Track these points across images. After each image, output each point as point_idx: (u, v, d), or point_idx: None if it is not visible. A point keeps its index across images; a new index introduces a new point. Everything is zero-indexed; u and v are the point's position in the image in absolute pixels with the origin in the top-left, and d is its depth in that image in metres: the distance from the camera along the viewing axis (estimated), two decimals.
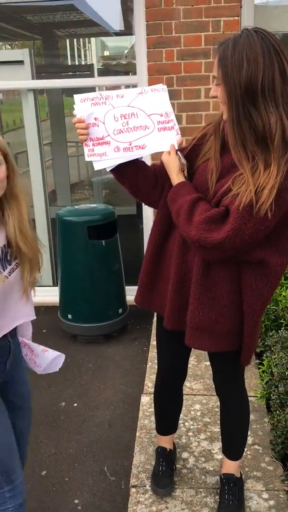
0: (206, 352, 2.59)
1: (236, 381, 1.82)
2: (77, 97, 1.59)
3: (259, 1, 3.61)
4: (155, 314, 1.86)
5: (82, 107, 1.58)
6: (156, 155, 1.68)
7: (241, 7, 3.17)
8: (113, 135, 1.58)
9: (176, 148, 1.59)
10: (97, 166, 1.62)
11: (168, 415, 2.04)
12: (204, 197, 1.50)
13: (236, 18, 3.14)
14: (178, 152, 1.58)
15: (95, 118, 1.58)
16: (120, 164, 1.60)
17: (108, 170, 1.62)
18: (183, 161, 1.58)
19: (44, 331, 3.64)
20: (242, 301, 1.55)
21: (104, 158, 1.59)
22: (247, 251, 1.45)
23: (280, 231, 1.46)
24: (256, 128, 1.34)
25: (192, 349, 1.88)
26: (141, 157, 1.64)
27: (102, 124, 1.58)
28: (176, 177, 1.55)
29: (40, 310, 3.97)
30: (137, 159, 1.62)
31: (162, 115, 1.60)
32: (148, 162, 1.74)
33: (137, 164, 1.62)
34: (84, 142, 1.59)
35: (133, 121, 1.59)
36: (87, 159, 1.61)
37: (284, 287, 2.79)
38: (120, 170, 1.62)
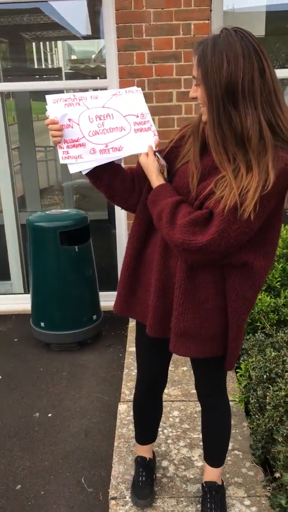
0: (184, 357, 2.56)
1: (219, 387, 1.80)
2: (49, 98, 1.53)
3: (230, 7, 3.64)
4: (132, 321, 1.81)
5: (55, 108, 1.52)
6: (132, 159, 1.64)
7: (211, 10, 3.18)
8: (88, 136, 1.53)
9: (154, 149, 1.55)
10: (72, 169, 1.56)
11: (148, 425, 1.99)
12: (186, 199, 1.47)
13: (206, 21, 3.15)
14: (157, 154, 1.54)
15: (69, 119, 1.52)
16: (96, 167, 1.54)
17: (83, 173, 1.56)
18: (163, 162, 1.54)
19: (15, 340, 3.54)
20: (227, 305, 1.53)
21: (80, 160, 1.53)
22: (231, 254, 1.42)
23: (263, 234, 1.44)
24: (235, 129, 1.32)
25: (171, 358, 1.85)
26: (120, 161, 1.59)
27: (76, 125, 1.52)
28: (156, 179, 1.51)
29: (11, 318, 3.87)
30: (113, 162, 1.57)
31: (138, 116, 1.56)
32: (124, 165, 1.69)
33: (113, 167, 1.57)
34: (58, 145, 1.53)
35: (108, 122, 1.54)
36: (61, 161, 1.54)
37: (260, 291, 2.79)
38: (96, 174, 1.56)
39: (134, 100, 1.57)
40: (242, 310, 1.52)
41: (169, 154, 1.58)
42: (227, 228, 1.33)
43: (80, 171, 1.56)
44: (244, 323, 1.57)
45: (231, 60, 1.29)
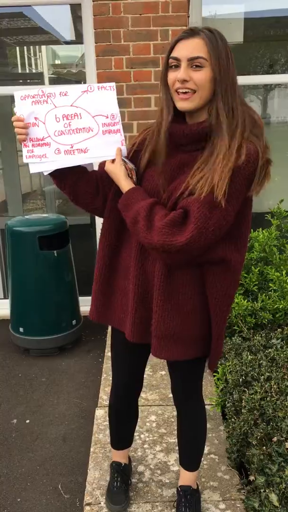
0: (162, 361, 2.56)
1: (195, 390, 1.80)
2: (17, 94, 1.50)
3: (207, 13, 3.67)
4: (110, 326, 1.80)
5: (22, 106, 1.49)
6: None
7: (188, 16, 3.21)
8: (54, 136, 1.50)
9: (124, 154, 1.54)
10: (33, 169, 1.53)
11: (124, 430, 1.98)
12: (159, 201, 1.47)
13: (184, 27, 3.16)
14: (123, 158, 1.53)
15: (35, 118, 1.49)
16: (59, 169, 1.53)
17: (45, 174, 1.53)
18: (131, 165, 1.52)
19: None
20: (207, 305, 1.53)
21: (44, 160, 1.51)
22: (209, 251, 1.42)
23: (237, 229, 1.46)
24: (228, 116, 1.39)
25: (147, 362, 1.85)
26: (90, 165, 1.58)
27: (42, 124, 1.50)
28: (125, 183, 1.50)
29: None
30: (74, 167, 1.54)
31: (107, 117, 1.51)
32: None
33: (77, 170, 1.55)
34: (23, 143, 1.51)
35: (75, 123, 1.51)
36: (25, 160, 1.53)
37: (237, 294, 2.81)
38: (60, 176, 1.55)
39: (105, 99, 1.50)
40: (224, 307, 1.52)
41: (133, 158, 1.57)
42: (204, 223, 1.34)
43: (42, 172, 1.53)
44: (226, 320, 1.58)
45: (232, 57, 1.39)
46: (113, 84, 1.51)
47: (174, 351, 1.55)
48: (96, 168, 1.65)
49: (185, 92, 1.38)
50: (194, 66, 1.36)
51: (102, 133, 1.52)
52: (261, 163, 1.37)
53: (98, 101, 1.51)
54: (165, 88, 1.45)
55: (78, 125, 1.51)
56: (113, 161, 1.52)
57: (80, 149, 1.51)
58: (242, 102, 1.43)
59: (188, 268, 1.48)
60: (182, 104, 1.41)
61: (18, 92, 1.50)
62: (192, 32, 1.37)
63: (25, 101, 1.49)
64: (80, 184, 1.56)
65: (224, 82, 1.36)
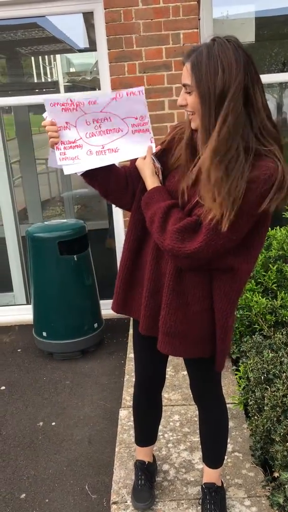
0: (183, 361, 2.58)
1: (213, 388, 1.82)
2: (46, 100, 1.52)
3: (219, 15, 3.70)
4: (131, 325, 1.84)
5: (52, 111, 1.52)
6: None
7: (199, 19, 3.23)
8: (85, 138, 1.54)
9: (153, 151, 1.58)
10: (67, 171, 1.57)
11: (147, 425, 2.01)
12: (178, 203, 1.50)
13: (195, 30, 3.20)
14: (152, 156, 1.56)
15: (66, 122, 1.53)
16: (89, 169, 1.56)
17: (78, 174, 1.57)
18: (158, 164, 1.56)
19: (19, 350, 3.58)
20: (213, 307, 1.56)
21: (77, 161, 1.55)
22: (218, 259, 1.45)
23: (249, 240, 1.47)
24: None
25: (169, 359, 1.88)
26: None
27: (73, 127, 1.53)
28: (151, 181, 1.54)
29: (15, 329, 3.91)
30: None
31: (137, 118, 1.54)
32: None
33: (108, 167, 1.59)
34: (55, 146, 1.55)
35: (106, 125, 1.54)
36: (59, 163, 1.56)
37: (256, 292, 2.81)
38: (91, 174, 1.59)
39: (134, 103, 1.53)
40: (227, 311, 1.55)
41: (161, 156, 1.60)
42: (214, 237, 1.37)
43: (76, 172, 1.57)
44: (231, 323, 1.60)
45: (226, 69, 1.31)
46: (142, 88, 1.54)
47: (178, 348, 1.59)
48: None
49: (190, 114, 1.44)
50: (187, 91, 1.41)
51: (132, 133, 1.55)
52: (280, 179, 1.35)
53: (128, 105, 1.53)
54: None
55: (108, 127, 1.54)
56: (144, 158, 1.56)
57: (111, 149, 1.55)
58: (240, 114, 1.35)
59: (198, 271, 1.51)
60: (191, 123, 1.46)
61: (48, 98, 1.52)
62: (187, 56, 1.39)
63: (55, 108, 1.51)
64: (110, 181, 1.61)
65: (208, 103, 1.34)
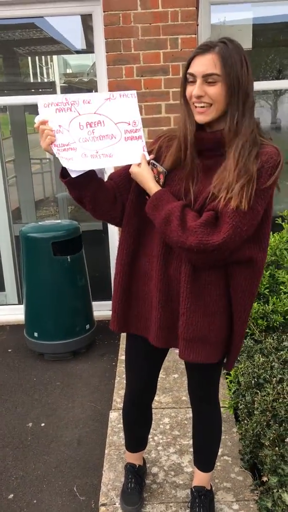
0: (175, 364, 2.59)
1: (214, 393, 1.82)
2: (40, 101, 1.51)
3: (217, 21, 3.72)
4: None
5: (45, 112, 1.51)
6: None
7: (197, 25, 3.25)
8: (79, 142, 1.53)
9: (148, 158, 1.57)
10: (64, 164, 1.51)
11: (138, 433, 2.01)
12: (188, 204, 1.50)
13: (193, 36, 3.22)
14: (153, 161, 1.56)
15: (59, 125, 1.52)
16: (82, 178, 1.53)
17: (73, 175, 1.52)
18: (161, 169, 1.54)
19: (10, 350, 3.57)
20: (229, 306, 1.57)
21: (72, 162, 1.52)
22: (237, 251, 1.46)
23: (262, 228, 1.50)
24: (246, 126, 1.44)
25: (161, 368, 1.87)
26: (102, 174, 1.60)
27: (67, 131, 1.52)
28: (153, 184, 1.53)
29: (6, 329, 3.90)
30: (96, 175, 1.57)
31: (129, 124, 1.55)
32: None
33: (95, 179, 1.58)
34: (53, 145, 1.51)
35: (99, 130, 1.54)
36: (57, 155, 1.52)
37: None
38: (79, 186, 1.56)
39: (127, 106, 1.55)
40: (247, 305, 1.57)
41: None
42: (239, 224, 1.39)
43: (72, 170, 1.52)
44: (248, 320, 1.62)
45: (248, 64, 1.43)
46: (134, 92, 1.57)
47: (202, 353, 1.57)
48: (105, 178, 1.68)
49: (202, 106, 1.45)
50: (209, 82, 1.42)
51: (124, 140, 1.56)
52: (282, 160, 1.45)
53: (120, 108, 1.55)
54: (184, 100, 1.51)
55: (101, 133, 1.55)
56: (138, 165, 1.56)
57: (105, 154, 1.54)
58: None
59: (214, 269, 1.51)
60: (199, 117, 1.47)
61: (42, 99, 1.51)
62: (207, 47, 1.42)
63: (49, 108, 1.51)
64: (99, 193, 1.58)
65: (237, 94, 1.42)
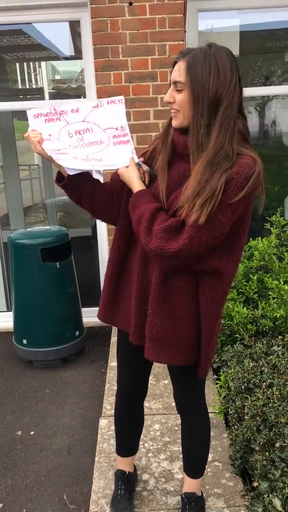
0: (165, 370, 2.58)
1: (197, 397, 1.82)
2: (30, 113, 1.56)
3: (204, 28, 3.75)
4: (115, 336, 1.84)
5: (35, 124, 1.56)
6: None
7: (185, 31, 3.27)
8: (69, 149, 1.56)
9: (136, 160, 1.60)
10: (60, 162, 1.54)
11: (128, 435, 2.00)
12: (164, 206, 1.52)
13: (181, 42, 3.24)
14: (138, 161, 1.59)
15: (49, 135, 1.56)
16: (77, 181, 1.56)
17: (70, 173, 1.55)
18: (145, 168, 1.58)
19: None
20: (199, 312, 1.57)
21: (65, 162, 1.55)
22: (203, 260, 1.47)
23: (232, 241, 1.50)
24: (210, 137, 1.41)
25: (151, 369, 1.88)
26: (100, 177, 1.62)
27: (57, 140, 1.56)
28: (137, 184, 1.56)
29: None
30: (91, 177, 1.61)
31: (117, 129, 1.59)
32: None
33: (93, 180, 1.62)
34: (44, 148, 1.55)
35: (88, 137, 1.57)
36: (49, 154, 1.54)
37: (237, 302, 2.84)
38: (77, 187, 1.60)
39: (114, 112, 1.59)
40: (213, 316, 1.56)
41: (145, 164, 1.63)
42: (197, 233, 1.39)
43: (68, 168, 1.54)
44: (216, 329, 1.61)
45: (221, 73, 1.38)
46: (121, 97, 1.60)
47: (165, 355, 1.59)
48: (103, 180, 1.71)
49: (174, 111, 1.48)
50: (178, 89, 1.45)
51: (113, 145, 1.59)
52: (257, 172, 1.41)
53: (108, 114, 1.59)
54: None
55: (90, 139, 1.58)
56: (127, 167, 1.58)
57: (95, 158, 1.57)
58: (227, 118, 1.42)
59: (184, 275, 1.52)
60: (172, 122, 1.51)
61: (31, 111, 1.56)
62: (181, 54, 1.45)
63: (38, 119, 1.56)
64: (96, 193, 1.63)
65: (201, 103, 1.40)
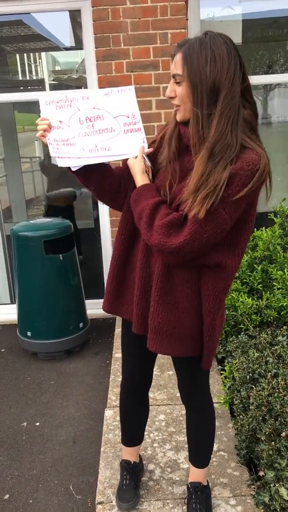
0: (169, 361, 2.58)
1: (201, 388, 1.82)
2: (42, 99, 1.58)
3: (206, 16, 3.71)
4: (119, 327, 1.83)
5: (47, 110, 1.57)
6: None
7: (187, 19, 3.24)
8: (78, 137, 1.56)
9: (146, 150, 1.59)
10: (60, 163, 1.58)
11: (133, 425, 2.00)
12: (166, 200, 1.50)
13: (183, 30, 3.20)
14: (144, 155, 1.58)
15: (60, 121, 1.57)
16: (85, 167, 1.57)
17: (73, 169, 1.58)
18: (148, 163, 1.58)
19: (3, 350, 3.54)
20: (201, 305, 1.56)
21: (69, 156, 1.57)
22: (205, 255, 1.46)
23: (236, 236, 1.48)
24: (211, 128, 1.37)
25: (156, 359, 1.88)
26: (108, 162, 1.63)
27: (67, 127, 1.57)
28: (140, 178, 1.55)
29: None
30: (100, 164, 1.60)
31: (128, 117, 1.58)
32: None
33: (102, 167, 1.61)
34: (48, 142, 1.58)
35: (98, 124, 1.57)
36: (52, 155, 1.58)
37: (242, 292, 2.83)
38: (86, 174, 1.60)
39: (125, 100, 1.58)
40: (214, 309, 1.55)
41: (153, 156, 1.61)
42: (199, 230, 1.37)
43: (69, 168, 1.58)
44: (219, 322, 1.60)
45: (217, 60, 1.34)
46: (132, 86, 1.60)
47: (166, 346, 1.59)
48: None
49: (176, 106, 1.46)
50: (177, 82, 1.42)
51: (124, 133, 1.58)
52: (262, 169, 1.37)
53: (119, 102, 1.57)
54: None
55: (101, 126, 1.57)
56: (136, 157, 1.57)
57: (104, 147, 1.57)
58: (231, 107, 1.38)
59: (186, 268, 1.51)
60: (176, 116, 1.49)
61: (43, 97, 1.58)
62: (178, 47, 1.42)
63: (50, 106, 1.57)
64: (104, 181, 1.62)
65: (201, 94, 1.36)
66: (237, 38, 4.08)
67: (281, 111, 5.03)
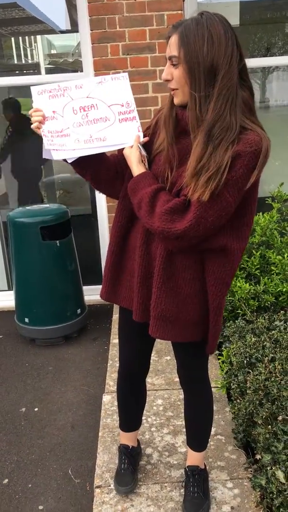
0: (167, 346, 2.59)
1: (201, 372, 1.82)
2: (34, 89, 1.54)
3: None
4: (116, 313, 1.83)
5: (39, 100, 1.54)
6: None
7: (184, 1, 3.18)
8: (73, 128, 1.54)
9: (142, 139, 1.57)
10: (56, 156, 1.56)
11: (131, 411, 2.01)
12: (164, 186, 1.49)
13: (179, 12, 3.15)
14: (139, 144, 1.56)
15: (53, 112, 1.54)
16: (81, 157, 1.55)
17: (69, 162, 1.57)
18: (143, 152, 1.56)
19: (1, 336, 3.55)
20: (206, 290, 1.55)
21: (64, 148, 1.54)
22: (210, 238, 1.44)
23: (241, 218, 1.47)
24: (209, 109, 1.35)
25: (153, 346, 1.88)
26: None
27: (61, 117, 1.54)
28: (136, 167, 1.53)
29: None
30: (96, 155, 1.58)
31: (123, 105, 1.55)
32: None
33: (98, 157, 1.58)
34: (42, 133, 1.55)
35: (92, 113, 1.54)
36: (47, 147, 1.55)
37: (239, 278, 2.83)
38: (82, 164, 1.58)
39: (119, 88, 1.55)
40: (220, 293, 1.54)
41: (148, 142, 1.59)
42: (204, 213, 1.36)
43: (65, 159, 1.56)
44: (223, 306, 1.60)
45: (215, 40, 1.31)
46: (125, 74, 1.57)
47: (169, 332, 1.58)
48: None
49: (173, 89, 1.43)
50: (174, 64, 1.39)
51: (119, 122, 1.56)
52: (265, 149, 1.35)
53: (113, 90, 1.55)
54: None
55: (95, 116, 1.55)
56: (131, 147, 1.55)
57: (99, 138, 1.55)
58: (229, 88, 1.36)
59: (189, 254, 1.50)
60: (174, 100, 1.46)
61: (35, 87, 1.54)
62: (172, 29, 1.38)
63: (42, 96, 1.54)
64: (101, 170, 1.60)
65: (198, 76, 1.34)
66: (234, 20, 4.02)
67: (280, 95, 4.97)
